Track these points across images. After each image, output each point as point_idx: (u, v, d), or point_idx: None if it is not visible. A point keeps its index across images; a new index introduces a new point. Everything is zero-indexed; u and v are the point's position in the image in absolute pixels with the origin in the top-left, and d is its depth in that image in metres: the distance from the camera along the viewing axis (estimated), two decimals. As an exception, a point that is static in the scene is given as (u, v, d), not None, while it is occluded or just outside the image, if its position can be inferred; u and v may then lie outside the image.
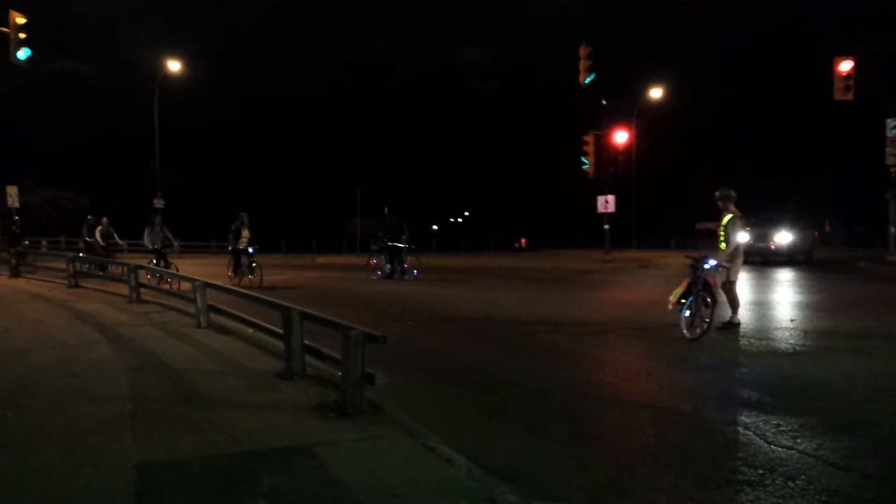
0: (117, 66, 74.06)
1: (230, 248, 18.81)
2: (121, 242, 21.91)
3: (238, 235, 18.44)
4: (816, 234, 29.70)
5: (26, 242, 25.80)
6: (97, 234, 21.31)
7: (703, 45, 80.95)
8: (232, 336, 9.71)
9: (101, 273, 18.84)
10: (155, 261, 17.84)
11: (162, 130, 37.99)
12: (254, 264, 18.10)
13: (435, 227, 71.60)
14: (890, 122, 25.81)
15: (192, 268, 19.47)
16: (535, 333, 10.71)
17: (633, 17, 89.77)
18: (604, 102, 31.18)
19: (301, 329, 7.14)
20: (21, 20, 21.81)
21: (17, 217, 26.33)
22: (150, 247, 18.42)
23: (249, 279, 17.67)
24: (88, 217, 22.83)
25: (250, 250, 18.26)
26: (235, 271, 18.38)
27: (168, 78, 37.08)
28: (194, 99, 54.22)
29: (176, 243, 19.40)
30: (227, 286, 12.31)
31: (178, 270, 16.42)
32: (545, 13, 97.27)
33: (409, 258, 20.60)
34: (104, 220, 21.51)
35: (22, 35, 21.79)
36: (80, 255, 21.69)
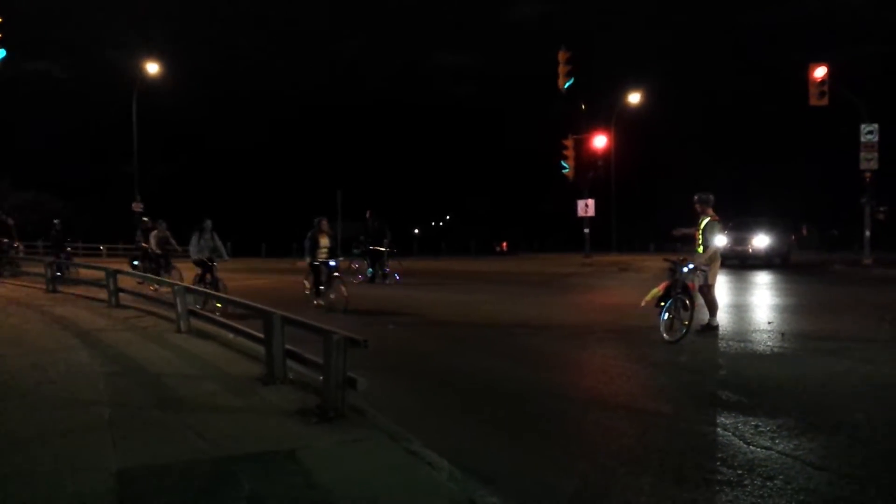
0: (92, 65, 73.30)
1: (308, 261, 14.80)
2: (178, 248, 18.42)
3: (316, 245, 14.67)
4: (793, 237, 30.09)
5: (69, 249, 23.28)
6: (152, 240, 18.14)
7: (679, 50, 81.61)
8: (212, 341, 9.66)
9: (151, 291, 15.34)
10: (201, 273, 14.51)
11: (140, 131, 37.69)
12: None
13: (417, 230, 71.56)
14: (864, 128, 26.18)
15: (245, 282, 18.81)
16: (516, 336, 10.75)
17: (611, 23, 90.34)
18: (583, 107, 31.37)
19: (282, 333, 7.12)
20: (-3, 21, 21.55)
21: (56, 220, 23.49)
22: (196, 257, 14.64)
23: (332, 299, 14.22)
24: (144, 219, 20.30)
25: (332, 263, 14.55)
26: (317, 290, 14.59)
27: (146, 80, 36.80)
28: (172, 99, 53.68)
29: (227, 255, 15.68)
30: (206, 290, 12.24)
31: (226, 289, 13.93)
32: (522, 17, 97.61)
33: (390, 262, 20.58)
34: (162, 223, 18.47)
35: (-2, 35, 21.54)
36: (135, 262, 20.07)
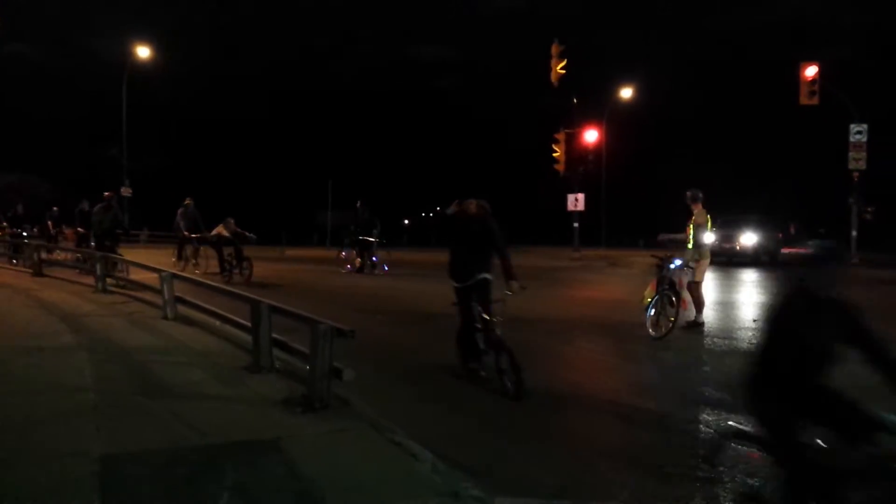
0: (73, 49, 72.33)
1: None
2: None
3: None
4: (781, 235, 30.23)
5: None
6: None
7: (670, 46, 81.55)
8: (199, 328, 9.63)
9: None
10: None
11: (129, 116, 37.46)
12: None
13: (407, 221, 71.55)
14: (853, 128, 26.35)
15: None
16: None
17: (596, 18, 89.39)
18: (575, 101, 31.33)
19: (269, 322, 7.12)
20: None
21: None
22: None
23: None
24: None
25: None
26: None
27: (135, 65, 36.53)
28: (160, 86, 53.36)
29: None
30: (194, 277, 12.19)
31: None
32: (502, 9, 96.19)
33: (379, 252, 20.56)
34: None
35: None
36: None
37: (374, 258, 20.31)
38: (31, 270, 16.97)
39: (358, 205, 20.68)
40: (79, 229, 19.93)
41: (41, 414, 5.52)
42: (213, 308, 9.63)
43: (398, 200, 64.00)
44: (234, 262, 17.17)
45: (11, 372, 6.96)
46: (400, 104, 73.13)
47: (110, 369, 7.16)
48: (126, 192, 36.03)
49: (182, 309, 10.45)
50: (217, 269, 17.51)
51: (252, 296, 7.79)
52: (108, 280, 14.02)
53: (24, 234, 22.36)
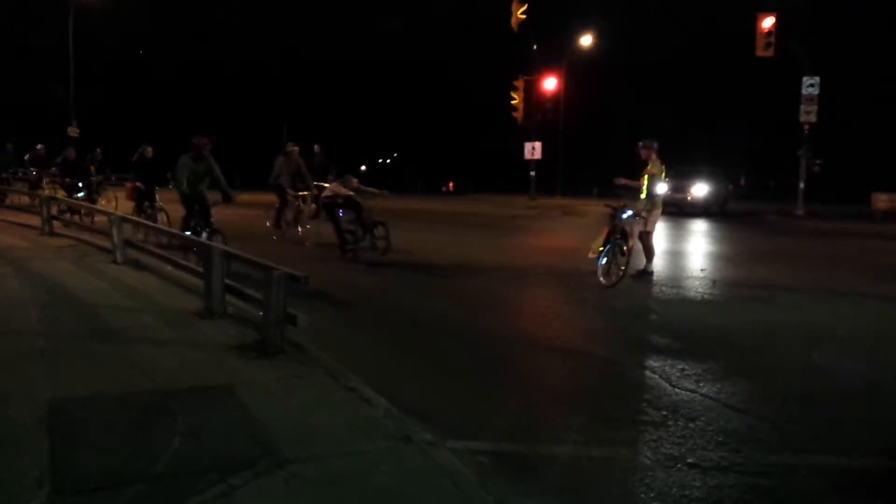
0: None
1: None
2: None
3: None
4: (730, 187, 30.79)
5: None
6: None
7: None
8: (150, 273, 9.49)
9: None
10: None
11: (76, 52, 36.03)
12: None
13: (363, 167, 70.82)
14: (806, 80, 26.66)
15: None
16: (457, 277, 10.85)
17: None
18: (535, 47, 31.11)
19: (221, 267, 7.05)
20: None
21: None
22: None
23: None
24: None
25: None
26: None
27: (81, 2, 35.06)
28: (110, 23, 51.14)
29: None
30: (142, 220, 11.94)
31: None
32: None
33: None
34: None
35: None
36: None
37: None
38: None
39: (316, 149, 20.33)
40: (137, 184, 14.07)
41: (-14, 359, 5.44)
42: (164, 253, 9.49)
43: (355, 145, 63.18)
44: (360, 232, 12.78)
45: (-46, 316, 6.81)
46: (347, 48, 71.25)
47: (58, 314, 7.04)
48: (73, 132, 34.87)
49: (132, 253, 10.28)
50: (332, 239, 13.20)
51: (204, 241, 7.70)
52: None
53: (81, 184, 17.48)
